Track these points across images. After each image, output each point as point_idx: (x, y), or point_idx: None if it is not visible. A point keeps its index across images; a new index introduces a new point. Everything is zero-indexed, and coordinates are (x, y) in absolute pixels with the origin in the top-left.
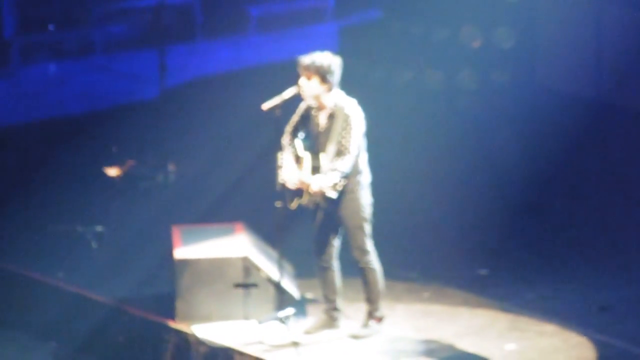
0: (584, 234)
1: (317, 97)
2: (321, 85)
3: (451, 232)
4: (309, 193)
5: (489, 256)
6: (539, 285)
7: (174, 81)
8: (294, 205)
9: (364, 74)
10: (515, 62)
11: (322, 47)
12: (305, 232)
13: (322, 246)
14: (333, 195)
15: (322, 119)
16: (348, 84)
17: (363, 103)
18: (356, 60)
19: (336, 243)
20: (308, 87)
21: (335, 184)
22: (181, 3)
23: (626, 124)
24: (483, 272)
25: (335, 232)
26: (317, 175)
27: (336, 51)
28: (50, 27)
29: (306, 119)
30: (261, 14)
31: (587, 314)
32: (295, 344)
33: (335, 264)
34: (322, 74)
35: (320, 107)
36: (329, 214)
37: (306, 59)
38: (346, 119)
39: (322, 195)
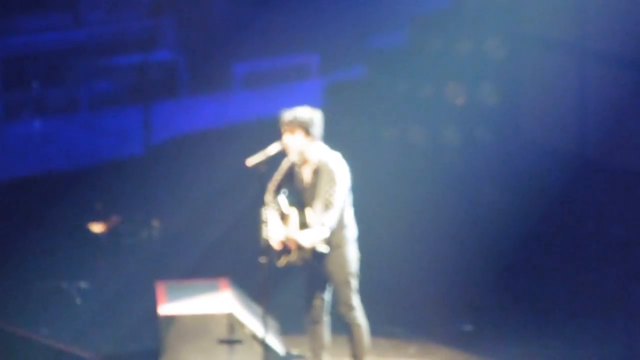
0: (569, 290)
1: (301, 152)
2: (305, 138)
3: (436, 287)
4: (298, 249)
5: (473, 312)
6: (524, 341)
7: (159, 137)
8: (281, 262)
9: (348, 130)
10: (500, 119)
11: (307, 104)
12: (290, 288)
13: (311, 301)
14: (324, 249)
15: (306, 174)
16: (333, 140)
17: (348, 159)
18: (341, 116)
19: (325, 298)
20: (292, 142)
21: (324, 239)
22: (166, 60)
23: (610, 180)
24: (468, 327)
25: (324, 287)
26: (305, 231)
27: (321, 107)
28: (35, 84)
29: (290, 175)
30: (246, 71)
31: None
32: None
33: (325, 319)
34: (305, 128)
35: (304, 162)
36: (317, 270)
37: (288, 114)
38: (330, 174)
39: (311, 251)
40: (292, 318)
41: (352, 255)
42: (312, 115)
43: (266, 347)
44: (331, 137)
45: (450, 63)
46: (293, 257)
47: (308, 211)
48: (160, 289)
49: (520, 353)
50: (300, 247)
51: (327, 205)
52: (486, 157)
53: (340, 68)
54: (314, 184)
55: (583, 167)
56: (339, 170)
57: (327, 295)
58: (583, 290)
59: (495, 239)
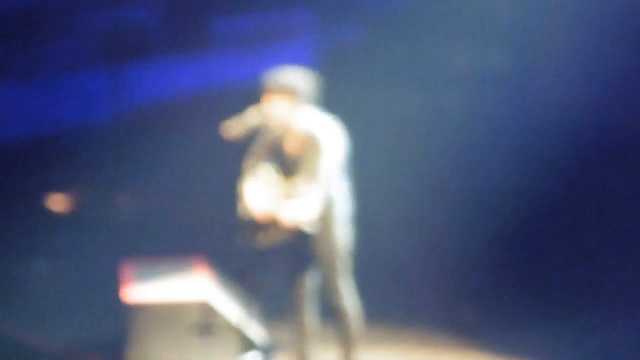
0: (585, 272)
1: (285, 119)
2: (292, 104)
3: (435, 271)
4: (280, 228)
5: (478, 298)
6: (535, 331)
7: (128, 104)
8: (262, 242)
9: (342, 97)
10: (509, 86)
11: (295, 66)
12: (273, 269)
13: (295, 287)
14: (310, 229)
15: (291, 144)
16: (325, 107)
17: (343, 127)
18: (334, 82)
19: (311, 282)
20: (276, 108)
21: (311, 216)
22: (137, 17)
23: (629, 150)
24: (472, 315)
25: (309, 270)
26: (289, 207)
27: (313, 72)
28: None
29: (273, 145)
30: (227, 28)
31: None
32: None
33: (310, 306)
34: (293, 92)
35: (290, 130)
36: (301, 251)
37: (273, 77)
38: (317, 143)
39: (295, 230)
40: (275, 301)
41: (342, 235)
42: (300, 77)
43: (244, 338)
44: (322, 105)
45: (455, 24)
46: (275, 236)
47: (293, 185)
48: (127, 270)
49: (525, 342)
50: (283, 226)
51: (312, 177)
52: (492, 127)
53: (333, 28)
54: (300, 155)
55: (599, 135)
56: (328, 139)
57: (314, 280)
58: (596, 273)
59: (501, 218)
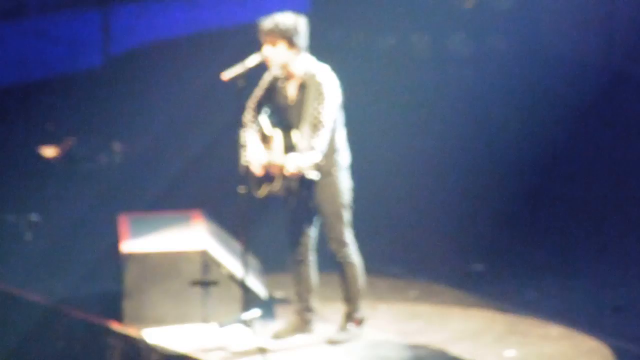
0: (594, 223)
1: (284, 65)
2: (288, 50)
3: (441, 222)
4: (282, 177)
5: (484, 249)
6: (542, 283)
7: (119, 47)
8: (262, 192)
9: (339, 40)
10: (515, 25)
11: (291, 8)
12: (273, 222)
13: (296, 237)
14: (315, 176)
15: (291, 90)
16: (321, 52)
17: (339, 74)
18: (330, 23)
19: (312, 233)
20: (273, 54)
21: (314, 163)
22: None
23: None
24: (478, 267)
25: (310, 221)
26: (291, 155)
27: (307, 13)
28: None
29: (272, 92)
30: None
31: (599, 315)
32: (262, 350)
33: (311, 258)
34: (289, 38)
35: (289, 77)
36: (303, 201)
37: (268, 22)
38: (319, 88)
39: (298, 178)
40: (275, 255)
41: (345, 183)
42: (297, 22)
43: (246, 289)
44: (319, 49)
45: None
46: (276, 185)
47: (294, 132)
48: (123, 222)
49: (537, 296)
50: (285, 175)
51: (316, 125)
52: (499, 70)
53: None
54: (300, 101)
55: (610, 80)
56: (328, 84)
57: (315, 231)
58: (611, 223)
59: (508, 166)
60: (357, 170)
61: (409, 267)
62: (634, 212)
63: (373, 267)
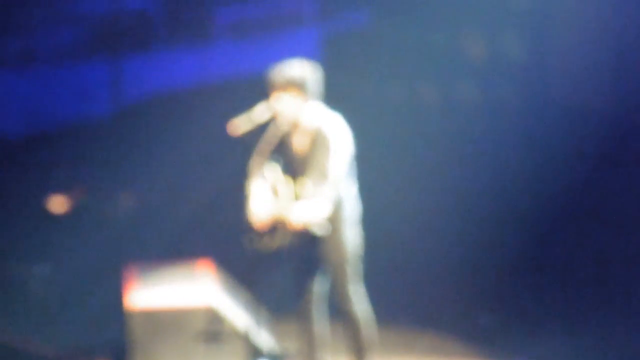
0: (607, 274)
1: (293, 116)
2: (299, 99)
3: (450, 273)
4: (287, 229)
5: (493, 301)
6: (552, 337)
7: (129, 96)
8: (268, 244)
9: (349, 88)
10: (524, 74)
11: (301, 57)
12: (282, 271)
13: (302, 293)
14: (319, 232)
15: (299, 141)
16: (330, 100)
17: (348, 121)
18: (340, 72)
19: (318, 287)
20: (283, 104)
21: (320, 218)
22: (138, 6)
23: None
24: (487, 320)
25: (316, 274)
26: (296, 209)
27: (318, 61)
28: None
29: (280, 142)
30: (230, 18)
31: None
32: None
33: (317, 312)
34: (300, 86)
35: (298, 127)
36: (309, 254)
37: (279, 71)
38: (327, 141)
39: (304, 232)
40: (284, 305)
41: (351, 237)
42: (308, 71)
43: (252, 345)
44: (329, 96)
45: (467, 9)
46: (282, 238)
47: (301, 184)
48: (130, 273)
49: (545, 349)
50: (291, 228)
51: (323, 180)
52: (508, 119)
53: (340, 15)
54: (309, 153)
55: (620, 129)
56: (337, 136)
57: (321, 285)
58: (624, 275)
59: (519, 215)
60: (368, 219)
61: (417, 318)
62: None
63: (382, 320)
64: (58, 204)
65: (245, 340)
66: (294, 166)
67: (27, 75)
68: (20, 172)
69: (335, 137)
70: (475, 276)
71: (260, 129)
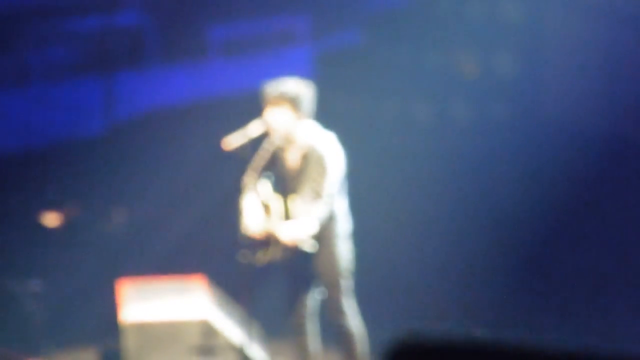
0: (604, 287)
1: (287, 131)
2: (293, 114)
3: (444, 287)
4: (279, 245)
5: (488, 314)
6: (555, 338)
7: (122, 114)
8: (260, 258)
9: (342, 106)
10: (518, 93)
11: (294, 74)
12: (276, 286)
13: (294, 306)
14: (309, 248)
15: (292, 158)
16: (323, 118)
17: (341, 139)
18: (333, 90)
19: (310, 302)
20: (277, 120)
21: (311, 235)
22: (131, 23)
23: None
24: (481, 333)
25: (309, 289)
26: (288, 224)
27: (311, 79)
28: None
29: (273, 159)
30: (223, 36)
31: None
32: None
33: (310, 327)
34: (294, 103)
35: (291, 144)
36: (301, 269)
37: (274, 86)
38: (320, 159)
39: (294, 247)
40: (278, 321)
41: (344, 252)
42: (302, 88)
43: (245, 358)
44: (322, 115)
45: (461, 28)
46: (274, 253)
47: (293, 201)
48: (123, 289)
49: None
50: (282, 244)
51: (316, 195)
52: (502, 139)
53: (332, 33)
54: (301, 170)
55: (616, 148)
56: (330, 154)
57: (314, 300)
58: (616, 288)
59: (512, 232)
60: (360, 235)
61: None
62: (637, 280)
63: (374, 334)
64: (51, 219)
65: (239, 353)
66: (286, 183)
67: (20, 92)
68: (13, 188)
69: (328, 154)
70: (470, 290)
71: (254, 145)
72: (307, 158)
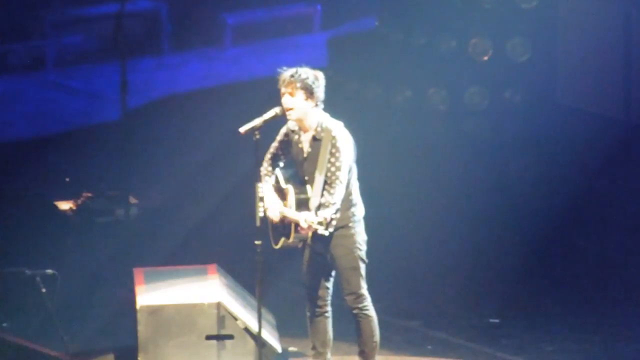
0: (614, 275)
1: (301, 116)
2: (306, 101)
3: (457, 274)
4: (296, 231)
5: (501, 302)
6: (559, 337)
7: (137, 100)
8: (278, 245)
9: (356, 92)
10: (531, 78)
11: (308, 61)
12: (289, 275)
13: (313, 290)
14: (326, 232)
15: (306, 144)
16: (338, 104)
17: (355, 126)
18: (347, 76)
19: (329, 286)
20: (292, 105)
21: (328, 220)
22: (146, 9)
23: None
24: (494, 320)
25: (327, 273)
26: (305, 212)
27: (324, 65)
28: None
29: (288, 145)
30: (238, 22)
31: None
32: None
33: (328, 310)
34: (307, 89)
35: (304, 129)
36: (319, 253)
37: (289, 72)
38: (334, 143)
39: (312, 232)
40: (291, 309)
41: (360, 236)
42: (315, 75)
43: (261, 343)
44: (336, 101)
45: (474, 13)
46: (290, 238)
47: (308, 187)
48: (138, 275)
49: (555, 350)
50: (300, 228)
51: (331, 181)
52: (515, 123)
53: (346, 19)
54: (315, 155)
55: (628, 133)
56: (342, 137)
57: (331, 284)
58: (630, 275)
59: (525, 218)
60: (372, 222)
61: (425, 321)
62: None
63: (389, 320)
64: (66, 206)
65: (254, 337)
66: (302, 168)
67: (37, 80)
68: (29, 176)
69: (342, 140)
70: (482, 278)
71: (269, 133)
72: (320, 143)
